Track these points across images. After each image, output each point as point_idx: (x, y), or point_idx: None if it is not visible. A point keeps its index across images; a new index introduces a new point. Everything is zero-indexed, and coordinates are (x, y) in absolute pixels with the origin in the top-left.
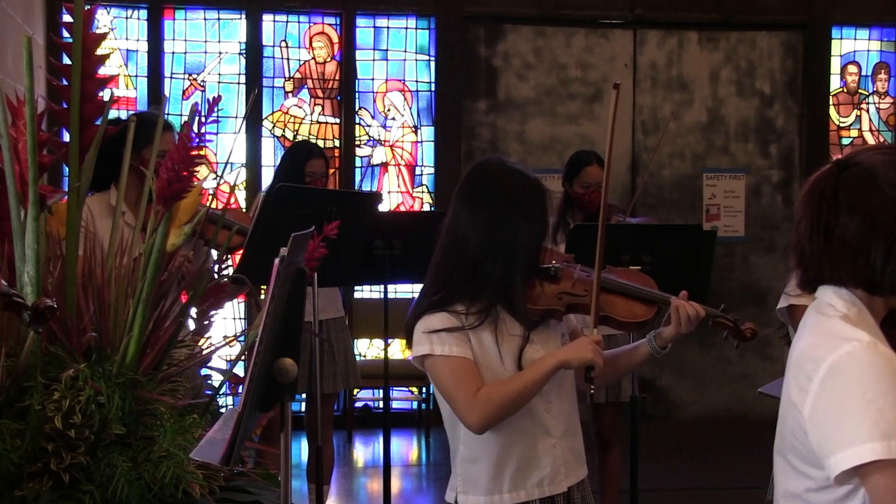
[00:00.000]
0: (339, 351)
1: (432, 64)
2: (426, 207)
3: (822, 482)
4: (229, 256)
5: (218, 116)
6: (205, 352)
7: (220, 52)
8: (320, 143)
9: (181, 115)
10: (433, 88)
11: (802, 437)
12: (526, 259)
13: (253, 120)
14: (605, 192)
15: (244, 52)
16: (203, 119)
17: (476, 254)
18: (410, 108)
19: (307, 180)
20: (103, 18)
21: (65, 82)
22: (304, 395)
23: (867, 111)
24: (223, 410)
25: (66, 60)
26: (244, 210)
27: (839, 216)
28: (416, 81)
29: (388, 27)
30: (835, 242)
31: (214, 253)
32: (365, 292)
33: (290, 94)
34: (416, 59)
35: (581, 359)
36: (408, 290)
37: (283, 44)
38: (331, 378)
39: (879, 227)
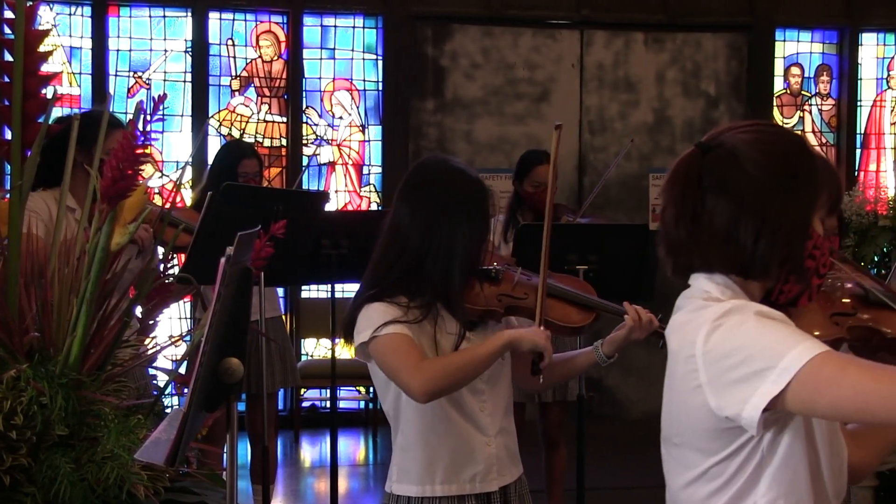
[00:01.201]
0: (277, 350)
1: (380, 63)
2: (373, 207)
3: (726, 450)
4: (175, 255)
5: (163, 115)
6: (150, 352)
7: (166, 50)
8: (267, 143)
9: (126, 113)
10: (380, 88)
11: (697, 414)
12: (465, 258)
13: (199, 118)
14: (547, 225)
15: (190, 50)
16: (148, 117)
17: (416, 251)
18: (358, 108)
19: (240, 180)
20: (46, 15)
21: (6, 79)
22: (243, 396)
23: (810, 112)
24: (168, 411)
25: (8, 57)
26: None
27: (705, 200)
28: (364, 80)
29: (335, 26)
30: (702, 228)
31: (161, 251)
32: (312, 292)
33: (236, 93)
34: (364, 59)
35: (532, 342)
36: (355, 290)
37: (230, 42)
38: (269, 377)
39: (746, 208)
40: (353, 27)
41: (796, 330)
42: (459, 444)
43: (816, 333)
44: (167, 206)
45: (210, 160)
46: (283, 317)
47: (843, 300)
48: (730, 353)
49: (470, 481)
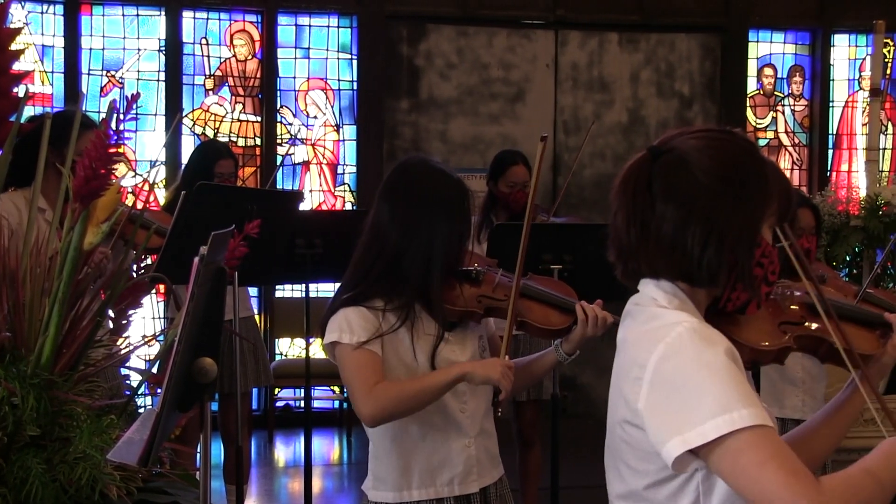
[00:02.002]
0: (249, 350)
1: (354, 63)
2: (348, 206)
3: (655, 476)
4: (147, 256)
5: (137, 114)
6: (123, 351)
7: (139, 49)
8: (241, 142)
9: (99, 112)
10: (355, 87)
11: (633, 430)
12: (445, 258)
13: (172, 117)
14: (525, 241)
15: (163, 49)
16: (121, 116)
17: (396, 251)
18: (332, 107)
19: (216, 181)
20: (18, 13)
21: None
22: (217, 395)
23: (783, 113)
24: (141, 411)
25: None
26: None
27: (654, 205)
28: (338, 80)
29: (309, 25)
30: (650, 234)
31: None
32: (286, 291)
33: (210, 92)
34: (338, 58)
35: (485, 377)
36: (329, 290)
37: (204, 41)
38: (242, 377)
39: (694, 215)
40: (328, 26)
41: (745, 389)
42: (435, 447)
43: (764, 343)
44: (139, 206)
45: (184, 160)
46: (257, 317)
47: (793, 308)
48: (675, 388)
49: (448, 484)
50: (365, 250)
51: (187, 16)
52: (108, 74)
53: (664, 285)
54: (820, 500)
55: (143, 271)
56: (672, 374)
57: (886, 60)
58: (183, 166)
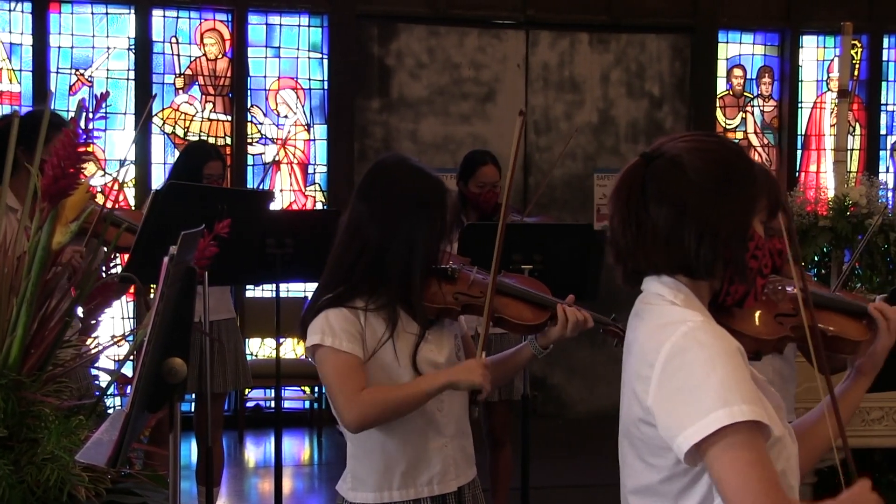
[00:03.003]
0: (230, 351)
1: (325, 62)
2: (319, 206)
3: (670, 471)
4: (117, 255)
5: (106, 113)
6: (92, 351)
7: (109, 48)
8: (211, 141)
9: (68, 110)
10: (326, 87)
11: (646, 428)
12: (425, 256)
13: (142, 116)
14: (500, 235)
15: (133, 47)
16: (91, 115)
17: (377, 250)
18: (303, 106)
19: (205, 182)
20: None
21: None
22: (192, 396)
23: (752, 114)
24: (111, 411)
25: None
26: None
27: (648, 207)
28: (309, 79)
29: (280, 24)
30: (647, 233)
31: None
32: (256, 291)
33: (180, 91)
34: (309, 57)
35: (470, 382)
36: (300, 289)
37: (174, 40)
38: (221, 378)
39: (689, 212)
40: (299, 26)
41: (749, 384)
42: (417, 447)
43: (765, 333)
44: (109, 205)
45: (154, 158)
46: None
47: (785, 302)
48: (682, 385)
49: (427, 484)
50: (344, 250)
51: (157, 14)
52: (77, 73)
53: (666, 280)
54: None
55: (112, 272)
56: (678, 371)
57: (854, 62)
58: (171, 167)
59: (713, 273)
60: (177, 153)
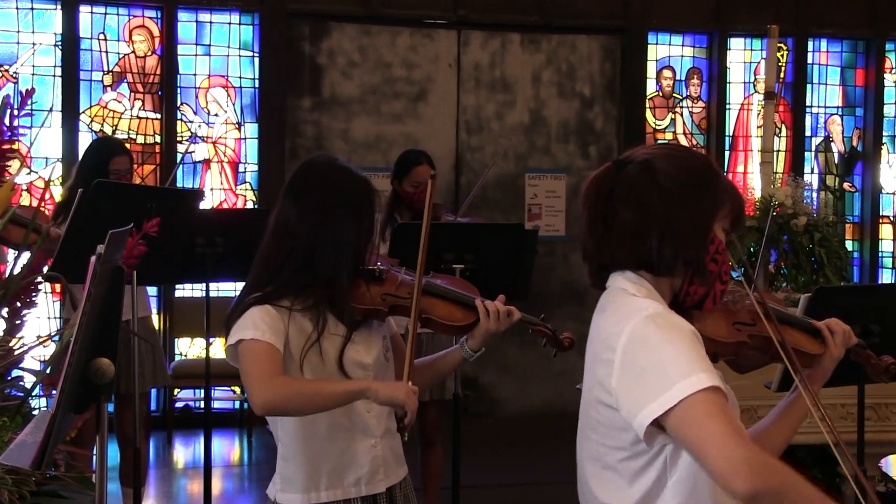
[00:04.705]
0: (147, 350)
1: (256, 60)
2: (249, 205)
3: (627, 451)
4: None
5: (31, 109)
6: (17, 352)
7: (34, 44)
8: (140, 139)
9: None
10: (257, 85)
11: (606, 410)
12: (352, 257)
13: (69, 114)
14: (425, 239)
15: (60, 43)
16: (15, 112)
17: (305, 250)
18: (234, 105)
19: (111, 177)
20: None
21: None
22: (112, 396)
23: (681, 115)
24: (35, 413)
25: None
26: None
27: (616, 209)
28: (240, 78)
29: (210, 22)
30: (613, 231)
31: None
32: (186, 291)
33: (108, 88)
34: (240, 55)
35: (390, 396)
36: (230, 289)
37: (102, 36)
38: (139, 378)
39: (653, 212)
40: (229, 23)
41: (703, 358)
42: (342, 448)
43: (723, 336)
44: (34, 204)
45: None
46: (156, 316)
47: (745, 312)
48: (642, 363)
49: (355, 485)
50: (273, 250)
51: (84, 10)
52: (2, 69)
53: (629, 275)
54: (752, 458)
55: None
56: (639, 353)
57: (780, 64)
58: (77, 163)
59: (673, 271)
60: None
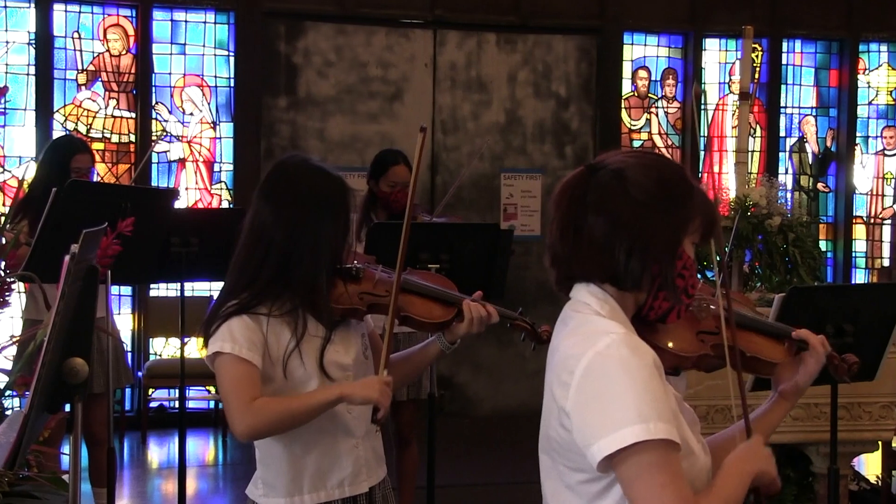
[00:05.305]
0: (109, 350)
1: (231, 59)
2: (225, 205)
3: (586, 474)
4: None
5: (5, 108)
6: None
7: (8, 42)
8: (115, 139)
9: None
10: (232, 84)
11: (564, 432)
12: (330, 257)
13: (43, 112)
14: (406, 225)
15: (34, 42)
16: None
17: (282, 252)
18: (209, 104)
19: (73, 175)
20: None
21: None
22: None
23: (656, 115)
24: (9, 413)
25: None
26: None
27: (587, 216)
28: (215, 77)
29: (185, 21)
30: (583, 240)
31: None
32: (161, 290)
33: (83, 87)
34: (215, 55)
35: (365, 397)
36: (205, 289)
37: (76, 35)
38: (101, 378)
39: (623, 225)
40: (205, 22)
41: (664, 403)
42: (325, 450)
43: (685, 349)
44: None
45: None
46: (131, 316)
47: (708, 320)
48: (598, 394)
49: (338, 486)
50: (249, 253)
51: (58, 8)
52: None
53: (594, 290)
54: None
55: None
56: (597, 381)
57: (755, 65)
58: (38, 161)
59: (640, 286)
60: None
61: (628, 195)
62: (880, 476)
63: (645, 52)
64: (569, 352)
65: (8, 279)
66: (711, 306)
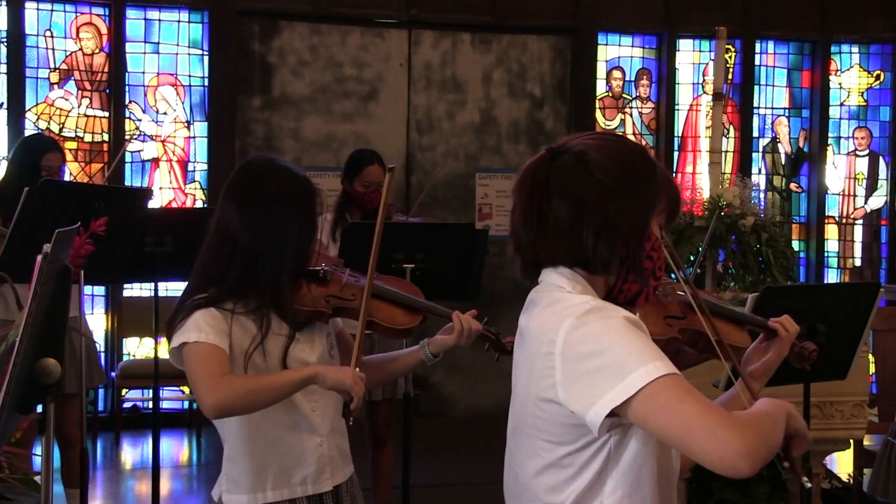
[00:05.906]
0: (82, 350)
1: (205, 59)
2: (199, 204)
3: (572, 445)
4: None
5: None
6: None
7: None
8: (88, 138)
9: None
10: (206, 83)
11: (549, 405)
12: (295, 258)
13: (14, 111)
14: (377, 241)
15: (5, 40)
16: None
17: (247, 252)
18: (183, 103)
19: (43, 174)
20: None
21: None
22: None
23: (630, 115)
24: None
25: None
26: None
27: (551, 201)
28: (189, 76)
29: (159, 20)
30: (548, 226)
31: None
32: (134, 290)
33: (55, 86)
34: (189, 54)
35: (337, 380)
36: (179, 289)
37: (48, 33)
38: (74, 378)
39: (589, 208)
40: (179, 21)
41: (653, 346)
42: (288, 447)
43: (654, 334)
44: None
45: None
46: (104, 315)
47: (675, 305)
48: (588, 354)
49: (301, 484)
50: (214, 252)
51: (30, 6)
52: None
53: (564, 271)
54: (735, 428)
55: None
56: (582, 344)
57: (728, 66)
58: (7, 160)
59: (609, 269)
60: None
61: (592, 178)
62: (852, 474)
63: (619, 53)
64: (545, 326)
65: None
66: (679, 292)
